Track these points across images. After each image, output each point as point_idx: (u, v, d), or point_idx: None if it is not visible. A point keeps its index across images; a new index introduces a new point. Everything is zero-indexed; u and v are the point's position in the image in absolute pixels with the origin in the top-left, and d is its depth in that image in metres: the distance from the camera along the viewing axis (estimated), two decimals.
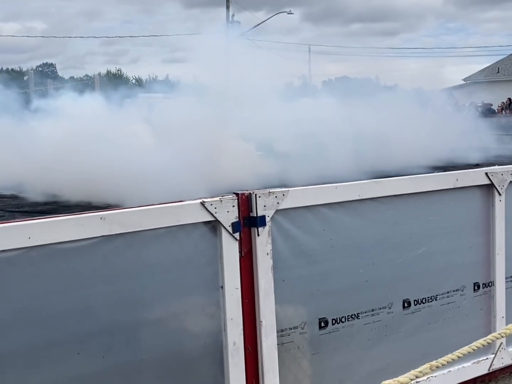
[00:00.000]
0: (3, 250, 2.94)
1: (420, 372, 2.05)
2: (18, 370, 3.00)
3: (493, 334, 2.25)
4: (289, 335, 3.82)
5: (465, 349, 2.13)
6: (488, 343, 2.22)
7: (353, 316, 4.03)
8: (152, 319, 3.40)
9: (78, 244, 3.17)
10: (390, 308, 4.17)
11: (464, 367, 4.49)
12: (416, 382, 4.25)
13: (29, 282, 3.05)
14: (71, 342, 3.12)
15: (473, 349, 2.15)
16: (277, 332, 3.74)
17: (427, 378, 4.33)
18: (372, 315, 4.10)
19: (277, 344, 3.74)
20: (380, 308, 4.13)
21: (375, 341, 4.11)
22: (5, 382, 2.97)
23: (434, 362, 2.07)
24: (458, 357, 2.12)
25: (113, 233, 3.25)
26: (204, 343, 3.52)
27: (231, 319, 3.58)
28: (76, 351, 3.13)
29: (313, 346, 3.89)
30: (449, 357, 2.08)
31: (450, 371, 4.42)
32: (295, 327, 3.84)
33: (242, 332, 3.61)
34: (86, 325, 3.16)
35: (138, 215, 3.33)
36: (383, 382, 2.03)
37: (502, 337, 2.23)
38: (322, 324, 3.92)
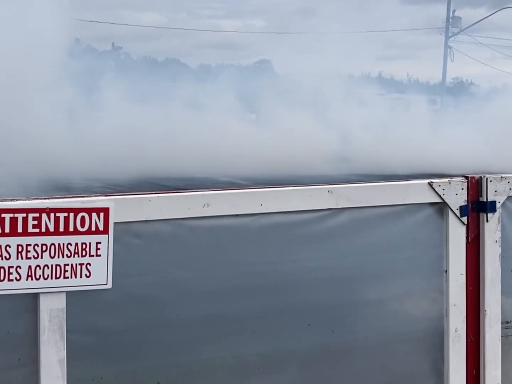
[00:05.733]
0: (237, 215, 3.09)
1: None
2: (247, 334, 3.13)
3: None
4: None
5: None
6: None
7: None
8: (373, 298, 3.39)
9: (305, 215, 3.24)
10: None
11: None
12: None
13: (258, 248, 3.17)
14: (302, 312, 3.20)
15: None
16: (501, 324, 3.58)
17: None
18: None
19: (501, 336, 3.57)
20: None
21: None
22: (233, 344, 3.10)
23: None
24: None
25: (339, 207, 3.28)
26: (426, 326, 3.45)
27: (454, 305, 3.47)
28: (306, 322, 3.21)
29: None
30: None
31: None
32: None
33: (464, 320, 3.49)
34: (315, 297, 3.22)
35: (366, 191, 3.34)
36: None
37: None
38: None
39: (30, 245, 2.66)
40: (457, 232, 3.49)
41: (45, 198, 2.74)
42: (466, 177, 3.54)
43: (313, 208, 3.22)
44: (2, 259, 2.62)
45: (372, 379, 3.39)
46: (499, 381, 3.57)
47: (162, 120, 4.67)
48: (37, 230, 2.67)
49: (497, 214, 3.53)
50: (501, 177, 3.55)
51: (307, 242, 3.23)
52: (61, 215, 2.71)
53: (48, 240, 2.69)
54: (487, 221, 3.52)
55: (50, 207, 2.68)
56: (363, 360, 3.35)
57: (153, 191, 3.02)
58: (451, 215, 3.47)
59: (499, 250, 3.54)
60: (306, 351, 3.22)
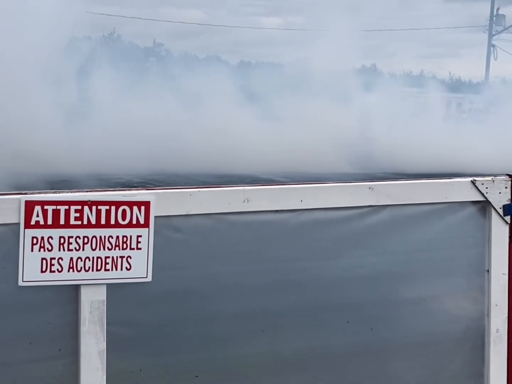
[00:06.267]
0: (277, 211, 3.08)
1: None
2: (286, 330, 3.11)
3: None
4: None
5: None
6: None
7: None
8: (413, 297, 3.36)
9: (345, 212, 3.22)
10: None
11: None
12: None
13: (298, 244, 3.16)
14: (341, 309, 3.19)
15: None
16: None
17: None
18: None
19: None
20: None
21: None
22: (272, 340, 3.09)
23: None
24: None
25: (380, 204, 3.25)
26: (467, 326, 3.41)
27: (496, 305, 3.42)
28: (345, 319, 3.20)
29: None
30: None
31: None
32: None
33: (506, 320, 3.44)
34: (355, 295, 3.21)
35: (407, 188, 3.30)
36: None
37: None
38: None
39: (72, 237, 2.69)
40: (499, 231, 3.43)
41: (87, 191, 2.77)
42: (510, 176, 3.48)
43: (353, 205, 3.20)
44: (44, 250, 2.66)
45: (411, 378, 3.36)
46: None
47: (199, 117, 4.69)
48: (79, 222, 2.70)
49: None
50: None
51: (347, 239, 3.21)
52: (103, 208, 2.73)
53: (89, 232, 2.72)
54: None
55: (92, 199, 2.71)
56: (402, 359, 3.32)
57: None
58: (494, 214, 3.42)
59: None
60: (345, 349, 3.20)
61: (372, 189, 3.22)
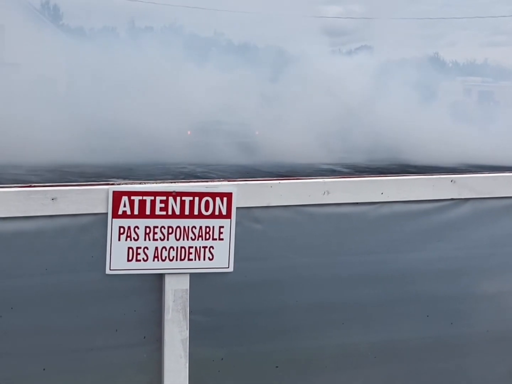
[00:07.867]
0: (357, 203, 3.07)
1: None
2: (365, 323, 3.11)
3: None
4: None
5: None
6: None
7: None
8: (495, 291, 3.30)
9: (426, 204, 3.18)
10: None
11: None
12: None
13: (377, 237, 3.14)
14: (421, 303, 3.16)
15: None
16: None
17: None
18: None
19: None
20: None
21: None
22: (350, 332, 3.09)
23: None
24: None
25: (462, 197, 3.21)
26: None
27: None
28: (425, 313, 3.17)
29: None
30: None
31: None
32: None
33: None
34: (435, 288, 3.17)
35: (490, 181, 3.24)
36: None
37: None
38: None
39: (157, 227, 2.74)
40: None
41: (171, 182, 2.81)
42: None
43: (435, 198, 3.17)
44: (131, 239, 2.71)
45: (490, 374, 3.31)
46: None
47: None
48: (163, 212, 2.74)
49: None
50: None
51: (427, 232, 3.18)
52: (187, 199, 2.77)
53: (174, 222, 2.76)
54: None
55: (176, 190, 2.75)
56: (482, 354, 3.27)
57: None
58: None
59: None
60: (424, 343, 3.17)
61: (454, 182, 3.18)
